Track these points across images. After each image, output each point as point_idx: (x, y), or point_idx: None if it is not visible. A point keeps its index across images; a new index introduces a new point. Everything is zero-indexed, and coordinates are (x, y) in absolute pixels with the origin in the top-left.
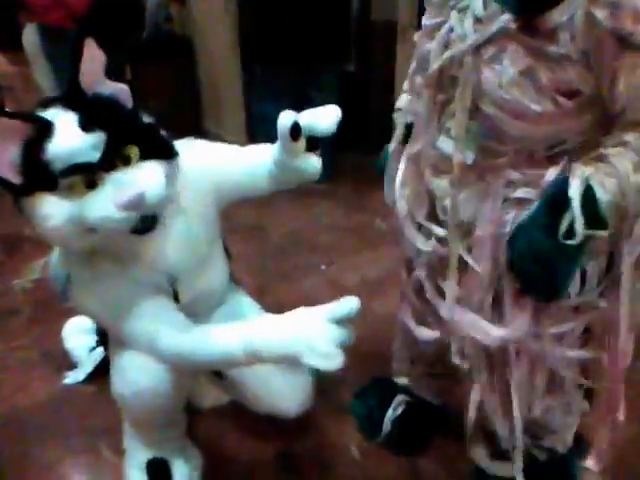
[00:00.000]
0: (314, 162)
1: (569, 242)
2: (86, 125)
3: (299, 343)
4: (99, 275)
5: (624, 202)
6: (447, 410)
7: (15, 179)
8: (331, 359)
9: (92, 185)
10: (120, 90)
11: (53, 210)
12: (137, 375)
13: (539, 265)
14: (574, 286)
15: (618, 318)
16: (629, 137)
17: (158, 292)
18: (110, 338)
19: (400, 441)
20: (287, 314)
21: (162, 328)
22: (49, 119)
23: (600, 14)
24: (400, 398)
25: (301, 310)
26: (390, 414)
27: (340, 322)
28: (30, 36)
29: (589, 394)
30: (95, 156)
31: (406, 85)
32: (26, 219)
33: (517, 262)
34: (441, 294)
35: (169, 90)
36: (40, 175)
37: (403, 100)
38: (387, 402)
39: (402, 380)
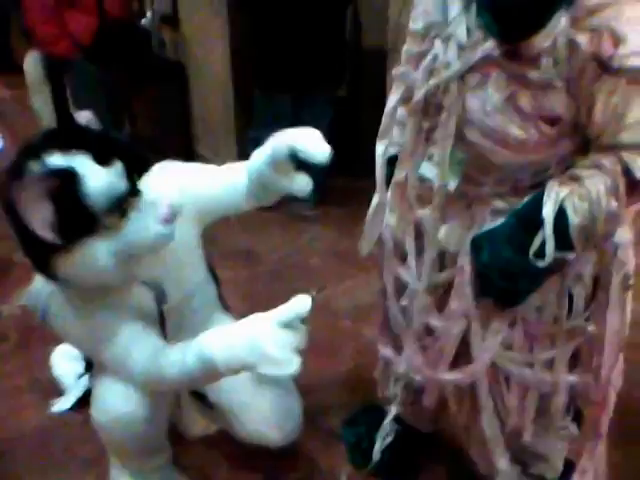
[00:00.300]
0: (304, 181)
1: (539, 262)
2: (102, 160)
3: (252, 353)
4: (80, 303)
5: (593, 225)
6: (436, 438)
7: (52, 237)
8: (286, 365)
9: (124, 214)
10: (88, 117)
11: (100, 251)
12: (115, 400)
13: (505, 279)
14: (562, 311)
15: (604, 341)
16: (604, 160)
17: (140, 315)
18: (94, 365)
19: (390, 470)
20: (239, 323)
21: (135, 353)
22: (68, 165)
23: (581, 39)
24: (389, 426)
25: (252, 317)
26: (379, 443)
27: (293, 324)
28: (33, 65)
29: (578, 417)
30: (122, 185)
31: (387, 118)
32: (62, 277)
33: (482, 272)
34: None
35: (161, 114)
36: (84, 221)
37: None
38: (377, 430)
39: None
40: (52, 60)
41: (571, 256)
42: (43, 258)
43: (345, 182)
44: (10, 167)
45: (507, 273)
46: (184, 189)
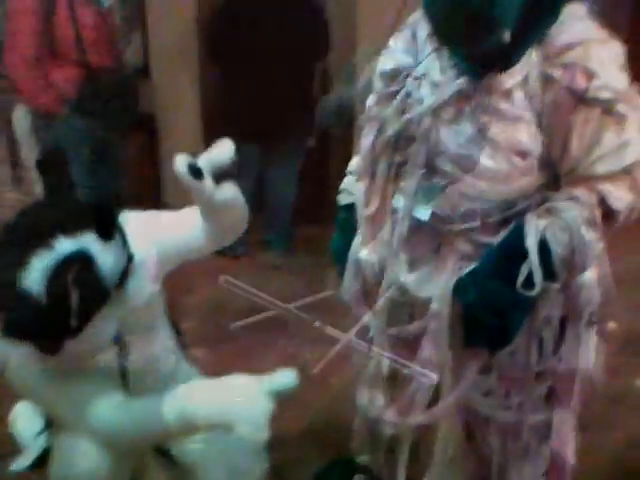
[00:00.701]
0: (228, 188)
1: (528, 293)
2: (105, 235)
3: (236, 413)
4: (40, 359)
5: (572, 256)
6: None
7: (75, 322)
8: (263, 431)
9: (123, 281)
10: None
11: (106, 323)
12: (75, 457)
13: (495, 315)
14: (533, 355)
15: (573, 380)
16: (578, 192)
17: (102, 369)
18: (54, 422)
19: None
20: (226, 380)
21: (98, 408)
22: (81, 249)
23: (555, 73)
24: (358, 479)
25: (241, 379)
26: None
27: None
28: (21, 118)
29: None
30: (124, 256)
31: (366, 157)
32: (64, 352)
33: (469, 312)
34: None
35: (131, 165)
36: (100, 300)
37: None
38: None
39: (362, 459)
40: (38, 112)
41: (555, 286)
42: (55, 341)
43: (313, 231)
44: (9, 254)
45: (497, 308)
46: (148, 239)
